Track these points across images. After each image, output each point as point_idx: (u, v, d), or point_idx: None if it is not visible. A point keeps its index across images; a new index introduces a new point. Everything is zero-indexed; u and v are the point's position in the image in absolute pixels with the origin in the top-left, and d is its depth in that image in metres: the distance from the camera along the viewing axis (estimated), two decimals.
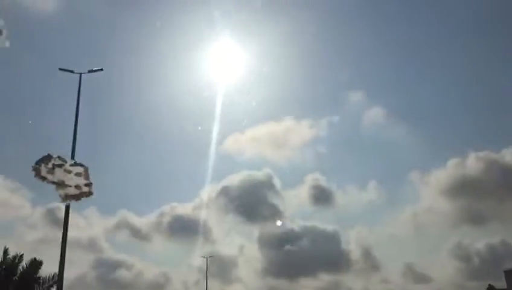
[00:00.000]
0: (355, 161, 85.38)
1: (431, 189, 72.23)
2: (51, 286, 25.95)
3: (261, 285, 66.45)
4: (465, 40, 79.99)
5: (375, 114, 77.58)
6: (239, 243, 71.37)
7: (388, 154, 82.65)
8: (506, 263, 58.40)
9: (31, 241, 65.98)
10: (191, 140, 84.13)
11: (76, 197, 7.27)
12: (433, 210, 72.17)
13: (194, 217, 65.74)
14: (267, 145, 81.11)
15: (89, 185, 7.24)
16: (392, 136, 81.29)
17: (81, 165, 7.22)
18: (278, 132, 76.69)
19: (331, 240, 67.38)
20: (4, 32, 5.21)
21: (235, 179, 68.78)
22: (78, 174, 7.16)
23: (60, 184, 7.04)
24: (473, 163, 67.72)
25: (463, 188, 68.30)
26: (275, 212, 68.78)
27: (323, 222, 71.36)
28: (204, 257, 53.40)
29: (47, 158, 7.09)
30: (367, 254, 67.47)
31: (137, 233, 69.85)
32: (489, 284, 52.11)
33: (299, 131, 75.40)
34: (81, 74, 24.32)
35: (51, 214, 60.03)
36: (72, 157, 21.53)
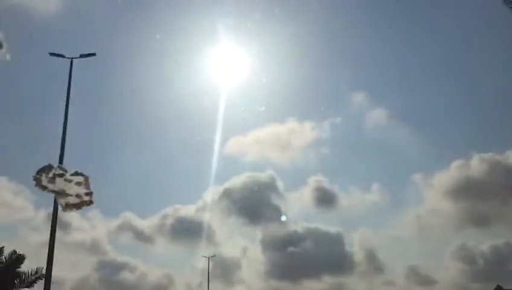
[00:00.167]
0: (358, 162, 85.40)
1: (435, 191, 72.17)
2: (34, 281, 24.81)
3: (264, 287, 66.50)
4: (469, 41, 79.86)
5: (378, 116, 77.57)
6: (242, 245, 71.48)
7: (391, 156, 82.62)
8: (510, 265, 58.35)
9: (34, 243, 66.09)
10: (194, 142, 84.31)
11: (77, 206, 7.30)
12: (437, 212, 72.06)
13: (197, 219, 65.85)
14: (270, 147, 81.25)
15: (89, 194, 7.27)
16: (395, 137, 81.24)
17: (81, 174, 7.25)
18: (280, 134, 76.74)
19: (335, 242, 67.36)
20: (5, 45, 5.18)
21: (238, 181, 68.85)
22: (78, 184, 7.19)
23: (61, 193, 7.08)
24: (476, 165, 67.61)
25: (467, 190, 68.19)
26: (278, 214, 68.78)
27: (327, 224, 71.40)
28: (205, 257, 53.35)
29: (48, 168, 7.12)
30: (370, 256, 67.43)
31: (140, 235, 70.05)
32: (498, 285, 51.93)
33: (301, 133, 75.43)
34: (72, 58, 23.95)
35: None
36: (62, 151, 21.39)
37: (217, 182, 69.86)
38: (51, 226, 21.04)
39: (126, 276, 62.62)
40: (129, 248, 76.45)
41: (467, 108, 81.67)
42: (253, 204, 67.87)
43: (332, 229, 68.33)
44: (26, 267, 25.81)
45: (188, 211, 70.41)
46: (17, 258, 25.37)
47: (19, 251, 25.57)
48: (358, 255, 69.04)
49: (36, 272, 24.81)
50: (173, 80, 77.96)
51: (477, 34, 78.68)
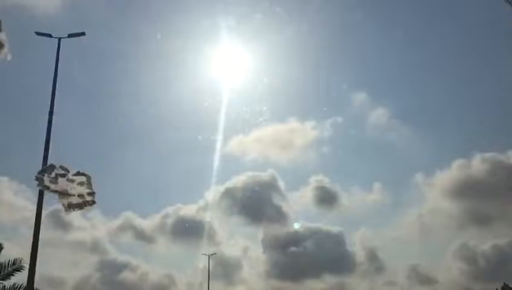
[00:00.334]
0: (359, 162, 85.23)
1: (436, 190, 72.01)
2: (11, 273, 22.78)
3: (265, 287, 66.42)
4: (470, 41, 79.79)
5: (379, 115, 77.45)
6: (243, 245, 71.36)
7: (393, 155, 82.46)
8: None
9: None
10: (195, 141, 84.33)
11: (79, 206, 7.30)
12: (439, 212, 71.92)
13: (198, 218, 65.71)
14: (271, 147, 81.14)
15: (92, 194, 7.27)
16: (396, 137, 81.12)
17: (84, 174, 7.25)
18: (282, 134, 76.68)
19: (336, 241, 67.25)
20: (6, 45, 5.22)
21: (239, 181, 68.79)
22: (81, 184, 7.19)
23: (63, 193, 7.07)
24: (478, 164, 67.43)
25: (468, 190, 68.06)
26: (279, 214, 68.79)
27: (328, 223, 71.14)
28: (205, 255, 53.16)
29: (50, 168, 7.12)
30: (372, 255, 67.30)
31: (141, 235, 69.93)
32: (504, 283, 51.79)
33: (303, 132, 75.36)
34: (60, 38, 23.03)
35: (54, 216, 59.99)
36: (47, 145, 19.99)
37: (218, 181, 69.63)
38: (36, 213, 20.20)
39: (127, 276, 62.56)
40: (130, 248, 76.32)
41: (469, 107, 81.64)
42: (255, 204, 67.87)
43: (334, 228, 68.31)
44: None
45: (189, 210, 70.29)
46: None
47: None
48: (359, 254, 69.02)
49: (14, 263, 22.77)
50: (174, 80, 77.94)
51: (479, 33, 78.71)
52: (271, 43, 67.48)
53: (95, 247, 65.94)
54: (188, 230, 62.85)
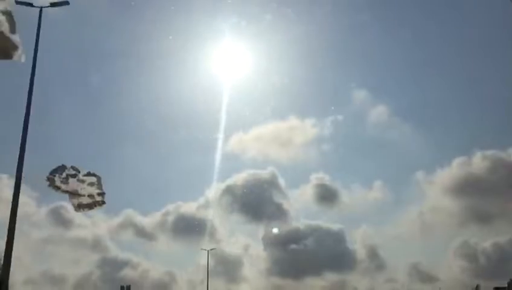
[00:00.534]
0: (360, 160, 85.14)
1: (437, 188, 71.87)
2: None
3: (266, 284, 66.47)
4: (471, 38, 79.78)
5: (379, 113, 77.39)
6: (244, 242, 71.37)
7: (393, 153, 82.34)
8: None
9: (35, 240, 66.27)
10: (195, 139, 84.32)
11: (89, 206, 7.39)
12: (439, 209, 71.83)
13: (199, 216, 65.71)
14: (271, 144, 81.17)
15: (101, 194, 7.34)
16: (397, 135, 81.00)
17: (94, 175, 7.31)
18: (282, 131, 76.66)
19: (337, 239, 67.20)
20: (20, 47, 5.27)
21: (239, 178, 68.79)
22: (91, 184, 7.26)
23: (73, 193, 7.14)
24: (479, 162, 67.32)
25: (469, 187, 67.92)
26: (280, 212, 68.82)
27: (328, 221, 71.07)
28: (205, 250, 52.99)
29: (61, 168, 7.18)
30: (372, 253, 67.23)
31: (142, 232, 69.94)
32: (511, 279, 51.71)
33: (303, 130, 75.32)
34: (41, 7, 22.10)
35: (55, 213, 60.14)
36: (23, 139, 18.62)
37: (218, 179, 69.59)
38: (11, 208, 19.26)
39: (128, 273, 62.64)
40: (131, 245, 76.30)
41: (469, 105, 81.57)
42: (255, 201, 67.84)
43: (334, 226, 68.25)
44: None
45: (189, 208, 70.28)
46: None
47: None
48: (360, 252, 68.90)
49: None
50: (175, 78, 77.94)
51: (481, 32, 78.64)
52: (271, 42, 67.35)
53: (96, 244, 65.95)
54: (189, 228, 62.79)
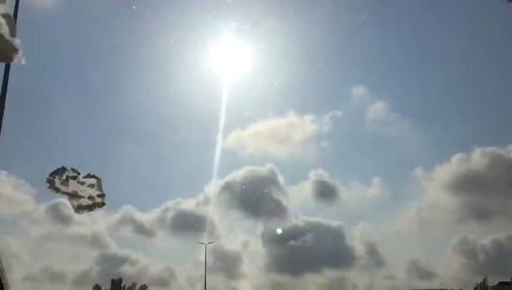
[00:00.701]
0: (358, 156, 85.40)
1: (436, 185, 72.12)
2: None
3: (265, 281, 66.70)
4: (471, 36, 79.78)
5: (378, 109, 77.47)
6: (243, 239, 71.55)
7: (392, 149, 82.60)
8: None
9: (35, 237, 66.35)
10: (194, 136, 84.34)
11: (89, 208, 7.40)
12: (438, 206, 72.05)
13: (198, 212, 65.79)
14: (270, 141, 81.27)
15: (101, 196, 7.35)
16: (395, 131, 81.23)
17: (94, 176, 7.32)
18: (280, 128, 76.67)
19: (336, 236, 67.47)
20: (21, 50, 5.26)
21: (238, 175, 68.88)
22: (91, 186, 7.26)
23: (73, 195, 7.14)
24: (478, 158, 67.50)
25: (468, 184, 68.17)
26: (279, 208, 68.94)
27: (327, 217, 71.30)
28: (202, 243, 52.72)
29: (61, 170, 7.18)
30: (371, 250, 67.53)
31: (141, 229, 70.08)
32: None
33: (301, 126, 75.35)
34: None
35: (54, 210, 60.23)
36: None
37: (217, 175, 69.72)
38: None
39: (127, 269, 62.67)
40: (130, 242, 76.52)
41: (469, 102, 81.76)
42: (254, 198, 68.05)
43: (333, 223, 68.56)
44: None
45: (188, 204, 70.41)
46: None
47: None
48: (359, 249, 69.28)
49: None
50: (174, 75, 77.94)
51: (481, 30, 78.67)
52: (271, 39, 67.30)
53: (95, 241, 66.09)
54: (188, 224, 62.91)
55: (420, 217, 70.64)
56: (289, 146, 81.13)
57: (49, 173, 7.26)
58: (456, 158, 67.76)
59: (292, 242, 64.86)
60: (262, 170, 69.80)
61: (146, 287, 42.67)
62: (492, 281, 55.60)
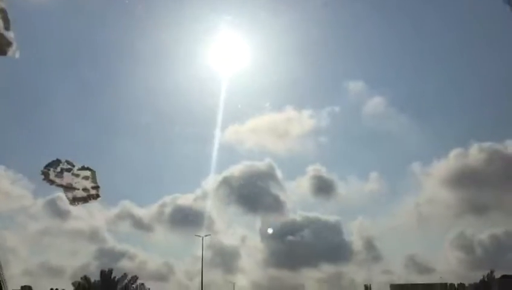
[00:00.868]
0: (356, 151, 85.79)
1: (433, 180, 72.46)
2: None
3: (263, 275, 67.03)
4: (469, 31, 79.84)
5: (376, 104, 77.68)
6: (241, 234, 71.83)
7: (389, 144, 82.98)
8: (509, 254, 58.82)
9: (33, 232, 66.46)
10: (192, 131, 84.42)
11: (84, 200, 7.48)
12: (436, 201, 72.41)
13: (196, 207, 65.98)
14: (268, 136, 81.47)
15: (96, 188, 7.43)
16: (393, 126, 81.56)
17: (88, 168, 7.40)
18: (278, 122, 76.86)
19: (333, 231, 67.82)
20: (15, 43, 5.36)
21: (236, 170, 69.08)
22: (85, 178, 7.34)
23: (68, 187, 7.23)
24: (475, 154, 67.82)
25: (465, 179, 68.50)
26: (277, 203, 69.15)
27: (325, 213, 71.65)
28: (199, 236, 52.87)
29: (55, 162, 7.26)
30: (369, 245, 67.88)
31: (139, 224, 70.25)
32: None
33: (299, 121, 75.57)
34: None
35: (52, 204, 60.42)
36: None
37: (215, 170, 69.88)
38: None
39: (125, 264, 62.67)
40: (128, 236, 76.69)
41: (466, 97, 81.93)
42: (252, 193, 68.27)
43: (331, 218, 68.80)
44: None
45: (186, 199, 70.56)
46: None
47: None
48: (356, 244, 69.58)
49: None
50: (172, 70, 78.07)
51: (477, 24, 78.71)
52: (268, 34, 67.41)
53: (93, 236, 66.24)
54: (186, 219, 63.11)
55: (418, 212, 71.01)
56: (287, 141, 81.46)
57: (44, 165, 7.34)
58: (453, 153, 68.14)
59: (290, 237, 65.21)
60: (260, 164, 70.10)
61: (136, 278, 42.23)
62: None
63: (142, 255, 65.06)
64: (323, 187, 73.88)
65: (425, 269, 66.47)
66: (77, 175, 7.27)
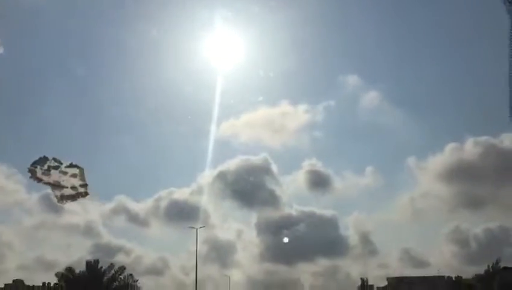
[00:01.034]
0: (352, 146, 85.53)
1: (428, 174, 72.42)
2: None
3: (259, 270, 66.96)
4: (464, 25, 79.67)
5: (371, 99, 77.45)
6: (237, 228, 71.68)
7: (385, 139, 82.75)
8: (503, 248, 58.98)
9: (27, 226, 66.18)
10: (187, 126, 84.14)
11: (72, 198, 7.35)
12: (431, 195, 72.43)
13: (192, 202, 65.73)
14: (264, 130, 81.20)
15: (84, 185, 7.30)
16: (388, 120, 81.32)
17: (76, 166, 7.27)
18: (274, 117, 76.60)
19: (329, 225, 67.74)
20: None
21: (232, 164, 68.84)
22: (73, 175, 7.21)
23: (56, 185, 7.10)
24: (471, 148, 67.78)
25: (461, 173, 68.47)
26: (273, 198, 69.04)
27: (321, 207, 71.55)
28: (193, 228, 52.08)
29: (42, 160, 7.12)
30: (365, 239, 67.84)
31: (134, 218, 70.01)
32: None
33: (295, 116, 75.30)
34: None
35: (46, 199, 59.89)
36: None
37: (211, 165, 69.64)
38: None
39: (121, 259, 62.45)
40: (124, 231, 76.53)
41: (462, 91, 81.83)
42: (248, 187, 68.09)
43: (327, 212, 68.79)
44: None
45: (182, 194, 70.32)
46: None
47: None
48: (352, 238, 69.57)
49: None
50: (167, 65, 77.57)
51: (473, 19, 78.55)
52: (264, 29, 67.05)
53: (88, 230, 65.99)
54: (182, 214, 62.90)
55: (413, 207, 70.96)
56: (283, 136, 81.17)
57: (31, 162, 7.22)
58: (448, 148, 68.03)
59: (286, 231, 65.06)
60: (256, 159, 69.83)
61: (124, 268, 40.81)
62: (483, 270, 55.91)
63: (137, 250, 64.94)
64: (319, 182, 73.74)
65: (421, 263, 66.66)
66: (65, 173, 7.14)
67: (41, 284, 48.42)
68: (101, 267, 41.17)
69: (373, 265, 69.33)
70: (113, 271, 40.68)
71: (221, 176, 66.07)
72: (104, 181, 62.19)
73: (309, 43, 79.06)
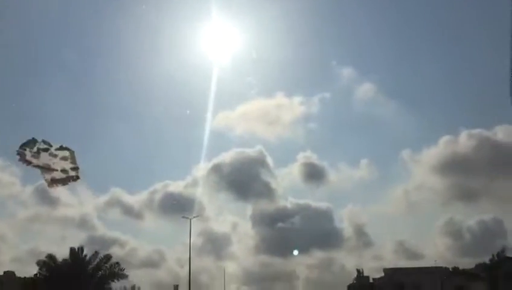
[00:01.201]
0: (346, 138, 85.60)
1: (423, 166, 72.61)
2: None
3: (255, 262, 67.01)
4: (460, 18, 79.59)
5: (366, 90, 77.36)
6: (232, 221, 71.62)
7: (380, 131, 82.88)
8: (497, 240, 59.17)
9: (22, 219, 65.85)
10: (182, 117, 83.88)
11: (63, 182, 7.14)
12: (425, 188, 72.63)
13: (187, 194, 65.49)
14: (258, 122, 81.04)
15: (75, 169, 7.09)
16: (383, 113, 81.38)
17: (67, 148, 7.05)
18: (269, 109, 76.35)
19: (324, 217, 67.84)
20: None
21: (227, 157, 68.66)
22: (64, 158, 7.00)
23: (45, 168, 6.88)
24: (465, 140, 67.91)
25: (455, 166, 68.68)
26: (268, 190, 68.97)
27: (316, 199, 71.57)
28: (187, 218, 51.54)
29: (32, 142, 6.90)
30: (359, 231, 68.04)
31: (129, 211, 69.81)
32: None
33: (290, 108, 75.10)
34: None
35: (41, 191, 59.60)
36: None
37: (206, 158, 69.38)
38: None
39: (116, 251, 62.23)
40: (118, 224, 76.46)
41: (456, 83, 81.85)
42: (243, 180, 67.99)
43: (322, 205, 68.84)
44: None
45: (177, 187, 70.08)
46: None
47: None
48: (347, 230, 69.75)
49: None
50: (163, 57, 77.16)
51: (469, 11, 78.47)
52: (259, 20, 66.77)
53: (83, 223, 65.75)
54: (177, 206, 62.72)
55: (407, 199, 71.19)
56: (278, 128, 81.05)
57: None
58: (443, 140, 68.15)
59: (281, 224, 65.10)
60: (251, 151, 69.71)
61: (110, 257, 39.67)
62: (477, 262, 56.06)
63: (132, 243, 64.80)
64: (314, 174, 73.76)
65: (415, 255, 66.99)
66: (55, 155, 6.93)
67: (32, 276, 47.90)
68: (85, 255, 40.03)
69: (368, 257, 69.61)
70: (97, 259, 39.61)
71: (216, 169, 65.98)
72: (99, 173, 61.94)
73: (304, 34, 78.88)
